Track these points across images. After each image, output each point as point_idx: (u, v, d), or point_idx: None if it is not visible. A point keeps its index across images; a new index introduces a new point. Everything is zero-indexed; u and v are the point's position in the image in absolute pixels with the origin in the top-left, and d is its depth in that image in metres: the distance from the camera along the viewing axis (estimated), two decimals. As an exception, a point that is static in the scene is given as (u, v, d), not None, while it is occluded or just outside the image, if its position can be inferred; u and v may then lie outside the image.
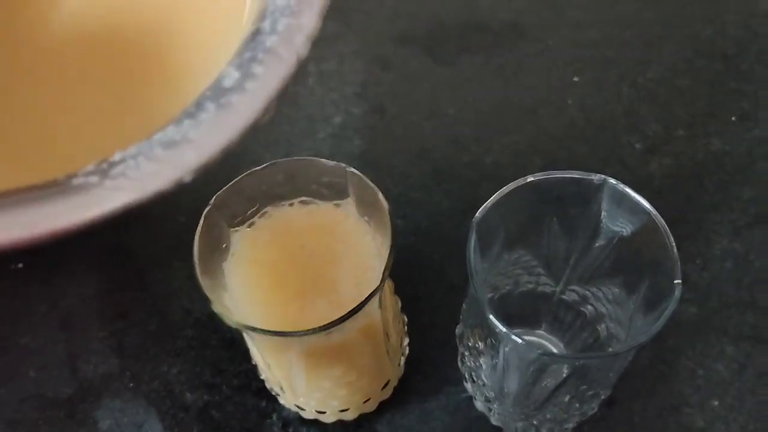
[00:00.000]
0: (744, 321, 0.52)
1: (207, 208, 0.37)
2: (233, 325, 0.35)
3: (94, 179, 0.27)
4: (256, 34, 0.29)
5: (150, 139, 0.28)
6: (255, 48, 0.29)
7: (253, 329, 0.35)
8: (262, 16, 0.30)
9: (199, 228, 0.37)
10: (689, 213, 0.56)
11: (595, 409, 0.44)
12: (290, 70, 0.29)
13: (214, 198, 0.38)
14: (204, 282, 0.36)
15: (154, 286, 0.53)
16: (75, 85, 0.31)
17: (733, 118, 0.61)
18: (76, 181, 0.26)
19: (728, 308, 0.52)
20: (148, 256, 0.54)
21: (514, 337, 0.34)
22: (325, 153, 0.58)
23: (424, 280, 0.53)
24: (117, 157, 0.28)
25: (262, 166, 0.38)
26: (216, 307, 0.35)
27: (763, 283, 0.53)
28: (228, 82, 0.29)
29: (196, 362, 0.51)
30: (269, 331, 0.35)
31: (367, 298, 0.35)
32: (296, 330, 0.35)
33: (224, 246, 0.39)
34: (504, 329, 0.34)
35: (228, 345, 0.51)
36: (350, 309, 0.35)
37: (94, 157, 0.29)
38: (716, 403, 0.49)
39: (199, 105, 0.29)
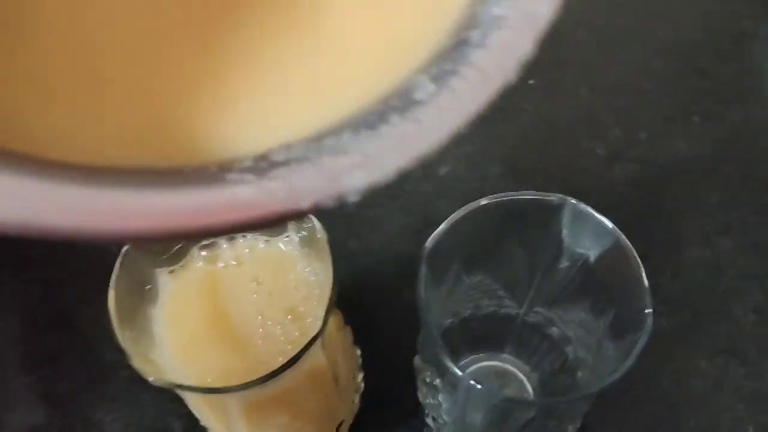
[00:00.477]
0: (718, 333, 0.49)
1: (125, 248, 0.33)
2: (158, 384, 0.31)
3: (249, 178, 0.22)
4: (460, 44, 0.24)
5: (319, 142, 0.23)
6: (457, 60, 0.24)
7: (182, 387, 0.31)
8: (470, 25, 0.25)
9: (115, 270, 0.33)
10: (656, 220, 0.53)
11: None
12: (494, 94, 0.24)
13: (133, 237, 0.34)
14: (123, 333, 0.32)
15: (84, 326, 0.49)
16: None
17: (695, 119, 0.58)
18: (230, 177, 0.21)
19: (701, 320, 0.49)
20: (76, 292, 0.50)
21: (472, 382, 0.31)
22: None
23: (380, 304, 0.50)
24: (280, 157, 0.23)
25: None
26: (136, 362, 0.31)
27: (736, 292, 0.50)
28: (420, 95, 0.23)
29: (134, 408, 0.46)
30: (200, 389, 0.31)
31: (306, 345, 0.31)
32: (231, 385, 0.31)
33: (148, 288, 0.35)
34: (460, 373, 0.31)
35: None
36: (290, 358, 0.31)
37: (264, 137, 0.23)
38: (692, 423, 0.46)
39: (381, 115, 0.23)
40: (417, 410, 0.45)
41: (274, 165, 0.22)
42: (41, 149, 0.19)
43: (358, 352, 0.44)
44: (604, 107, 0.58)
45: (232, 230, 0.22)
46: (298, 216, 0.22)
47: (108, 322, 0.44)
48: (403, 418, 0.46)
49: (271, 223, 0.25)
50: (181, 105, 0.23)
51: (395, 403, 0.46)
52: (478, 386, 0.30)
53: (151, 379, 0.31)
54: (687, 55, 0.61)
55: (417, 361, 0.42)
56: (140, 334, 0.34)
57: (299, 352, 0.31)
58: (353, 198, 0.24)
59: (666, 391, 0.47)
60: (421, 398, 0.43)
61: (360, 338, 0.45)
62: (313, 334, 0.32)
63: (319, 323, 0.32)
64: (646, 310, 0.32)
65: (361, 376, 0.44)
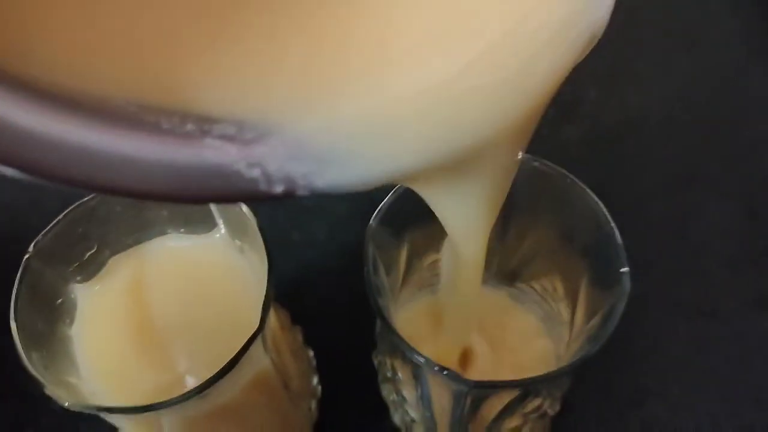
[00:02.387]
0: (693, 292, 0.46)
1: (26, 257, 0.29)
2: (75, 409, 0.27)
3: (229, 148, 0.19)
4: None
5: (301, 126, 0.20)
6: None
7: (104, 409, 0.27)
8: None
9: (16, 285, 0.28)
10: (615, 179, 0.50)
11: (547, 426, 0.37)
12: None
13: (33, 244, 0.29)
14: (30, 356, 0.27)
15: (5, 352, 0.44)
16: None
17: (644, 72, 0.55)
18: (207, 141, 0.19)
19: (673, 280, 0.46)
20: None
21: (436, 368, 0.27)
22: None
23: (329, 300, 0.46)
24: (264, 131, 0.20)
25: (91, 195, 0.30)
26: (51, 390, 0.27)
27: (706, 247, 0.47)
28: None
29: (70, 441, 0.42)
30: (126, 409, 0.27)
31: (243, 347, 0.27)
32: (162, 401, 0.27)
33: (59, 303, 0.31)
34: (422, 359, 0.27)
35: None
36: (226, 363, 0.27)
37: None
38: (677, 390, 0.43)
39: None
40: (382, 412, 0.41)
41: (257, 140, 0.19)
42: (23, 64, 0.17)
43: (311, 353, 0.40)
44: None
45: (192, 199, 0.19)
46: (264, 199, 0.20)
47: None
48: (368, 421, 0.42)
49: (230, 200, 0.21)
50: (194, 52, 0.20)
51: (357, 406, 0.42)
52: (444, 372, 0.27)
53: (66, 404, 0.27)
54: (628, 7, 0.58)
55: (376, 356, 0.38)
56: (53, 355, 0.29)
57: (236, 355, 0.27)
58: (344, 186, 0.20)
59: (646, 359, 0.44)
60: (384, 396, 0.39)
61: (311, 338, 0.41)
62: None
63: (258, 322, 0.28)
64: (622, 270, 0.29)
65: (316, 379, 0.40)
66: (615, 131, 0.52)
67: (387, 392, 0.37)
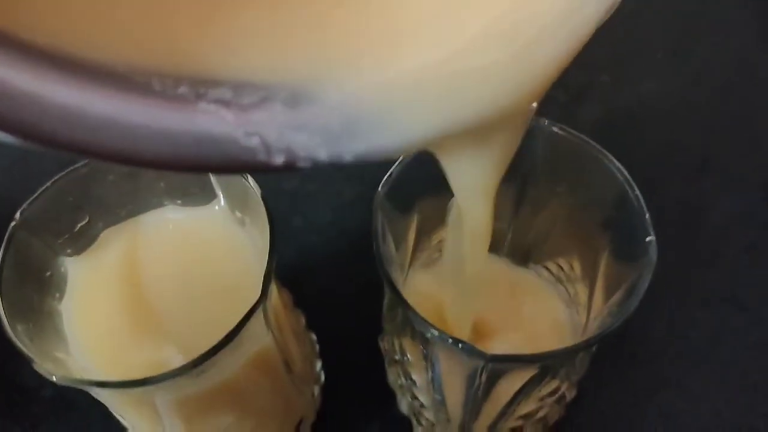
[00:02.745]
0: (710, 278, 0.44)
1: (12, 225, 0.27)
2: (63, 383, 0.25)
3: (224, 113, 0.18)
4: None
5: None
6: None
7: (94, 384, 0.25)
8: None
9: (1, 253, 0.27)
10: (628, 166, 0.48)
11: (563, 413, 0.36)
12: None
13: (19, 212, 0.27)
14: (15, 328, 0.26)
15: None
16: None
17: (659, 56, 0.53)
18: (201, 106, 0.17)
19: (690, 266, 0.44)
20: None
21: (450, 340, 0.25)
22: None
23: (334, 286, 0.44)
24: (265, 96, 0.18)
25: (83, 162, 0.28)
26: (39, 365, 0.25)
27: (723, 234, 0.46)
28: None
29: (59, 430, 0.40)
30: (117, 383, 0.25)
31: (243, 319, 0.25)
32: (155, 375, 0.25)
33: (48, 275, 0.29)
34: (436, 332, 0.25)
35: (100, 403, 0.40)
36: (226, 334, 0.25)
37: None
38: (696, 379, 0.41)
39: None
40: (389, 400, 0.39)
41: (255, 105, 0.18)
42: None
43: (314, 337, 0.38)
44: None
45: (186, 167, 0.18)
46: (264, 170, 0.18)
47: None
48: (374, 410, 0.40)
49: (227, 171, 0.20)
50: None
51: (362, 393, 0.40)
52: (459, 344, 0.25)
53: (54, 378, 0.25)
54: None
55: (382, 339, 0.36)
56: (41, 329, 0.28)
57: (236, 326, 0.25)
58: (348, 158, 0.19)
59: (663, 347, 0.42)
60: (391, 382, 0.37)
61: (315, 325, 0.39)
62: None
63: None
64: (648, 239, 0.27)
65: (319, 364, 0.38)
66: (628, 116, 0.50)
67: (394, 377, 0.36)
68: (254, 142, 0.18)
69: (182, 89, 0.17)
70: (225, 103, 0.17)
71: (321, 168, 0.19)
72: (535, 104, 0.23)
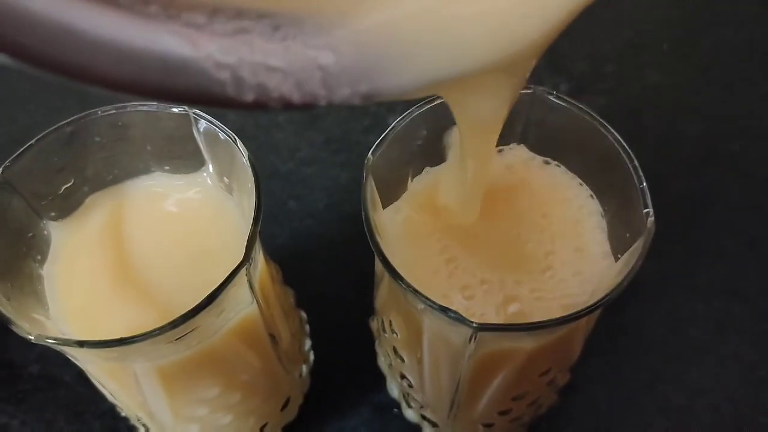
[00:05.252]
0: (713, 272, 0.43)
1: (-8, 184, 0.26)
2: (39, 342, 0.24)
3: (197, 37, 0.17)
4: None
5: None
6: None
7: (69, 343, 0.24)
8: None
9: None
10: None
11: (555, 399, 0.35)
12: None
13: (1, 169, 0.27)
14: (-3, 287, 0.25)
15: None
16: None
17: (665, 47, 0.53)
18: (171, 27, 0.16)
19: (693, 259, 0.44)
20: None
21: (441, 309, 0.24)
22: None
23: (328, 270, 0.43)
24: (246, 23, 0.17)
25: (68, 120, 0.28)
26: (18, 327, 0.24)
27: (727, 227, 0.45)
28: None
29: (45, 407, 0.39)
30: (93, 343, 0.24)
31: (225, 280, 0.25)
32: (133, 336, 0.24)
33: (30, 236, 0.28)
34: (427, 299, 0.25)
35: (87, 379, 0.40)
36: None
37: None
38: (695, 374, 0.40)
39: None
40: (377, 384, 0.39)
41: (231, 35, 0.17)
42: None
43: (304, 315, 0.38)
44: (566, 40, 0.52)
45: (149, 92, 0.17)
46: (231, 105, 0.17)
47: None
48: (363, 394, 0.39)
49: (192, 101, 0.19)
50: None
51: (350, 376, 0.40)
52: (450, 312, 0.24)
53: (31, 337, 0.24)
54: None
55: (372, 319, 0.36)
56: (20, 291, 0.27)
57: (218, 286, 0.24)
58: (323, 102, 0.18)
59: (662, 339, 0.41)
60: (381, 364, 0.37)
61: (307, 307, 0.39)
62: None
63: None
64: (645, 210, 0.27)
65: (308, 344, 0.37)
66: (632, 108, 0.50)
67: (384, 357, 0.35)
68: (224, 75, 0.17)
69: (152, 8, 0.16)
70: (197, 27, 0.16)
71: (292, 111, 0.19)
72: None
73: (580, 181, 0.32)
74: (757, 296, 0.42)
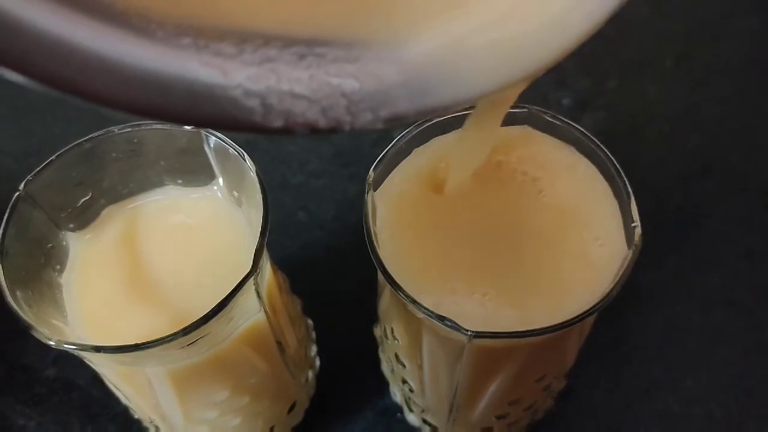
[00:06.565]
0: (710, 283, 0.44)
1: (16, 195, 0.28)
2: (60, 347, 0.26)
3: (226, 65, 0.18)
4: None
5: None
6: None
7: (87, 348, 0.26)
8: None
9: (4, 221, 0.27)
10: (632, 170, 0.48)
11: (551, 404, 0.36)
12: None
13: (24, 183, 0.28)
14: (15, 293, 0.27)
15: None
16: None
17: (667, 63, 0.54)
18: (203, 58, 0.17)
19: (690, 270, 0.45)
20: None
21: (438, 317, 0.26)
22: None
23: (335, 279, 0.45)
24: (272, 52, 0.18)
25: (87, 137, 0.29)
26: (38, 332, 0.26)
27: (724, 239, 0.46)
28: None
29: (61, 409, 0.41)
30: (110, 348, 0.26)
31: (234, 289, 0.26)
32: (147, 341, 0.26)
33: (49, 247, 0.30)
34: (424, 308, 0.26)
35: (101, 382, 0.41)
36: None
37: None
38: (690, 382, 0.41)
39: None
40: (381, 390, 0.40)
41: (258, 64, 0.18)
42: None
43: (310, 323, 0.39)
44: (570, 56, 0.54)
45: (176, 118, 0.17)
46: (256, 131, 0.18)
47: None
48: (368, 399, 0.41)
49: (219, 127, 0.20)
50: None
51: (356, 382, 0.41)
52: (446, 320, 0.25)
53: (51, 342, 0.26)
54: None
55: (376, 327, 0.37)
56: (40, 297, 0.28)
57: (227, 295, 0.26)
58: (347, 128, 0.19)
59: (659, 349, 0.42)
60: (384, 369, 0.38)
61: (314, 315, 0.40)
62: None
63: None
64: (632, 224, 0.28)
65: (314, 350, 0.39)
66: (633, 121, 0.51)
67: (387, 363, 0.36)
68: (253, 102, 0.18)
69: (185, 41, 0.17)
70: (227, 57, 0.17)
71: (318, 136, 0.19)
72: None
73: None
74: (752, 307, 0.43)
